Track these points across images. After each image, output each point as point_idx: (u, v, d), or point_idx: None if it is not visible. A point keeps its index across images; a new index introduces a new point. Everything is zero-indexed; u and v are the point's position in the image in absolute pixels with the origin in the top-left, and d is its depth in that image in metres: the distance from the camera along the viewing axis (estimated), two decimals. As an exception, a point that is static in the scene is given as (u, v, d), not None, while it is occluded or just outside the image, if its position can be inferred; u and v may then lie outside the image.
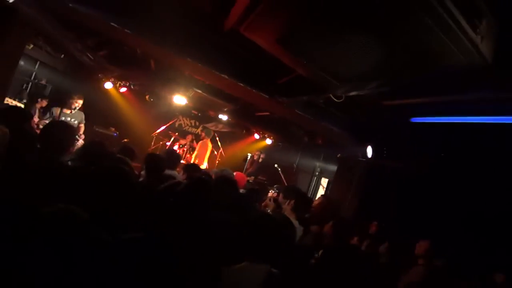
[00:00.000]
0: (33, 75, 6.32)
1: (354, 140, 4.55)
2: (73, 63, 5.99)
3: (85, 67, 5.64)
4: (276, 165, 7.71)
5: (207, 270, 1.36)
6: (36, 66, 6.24)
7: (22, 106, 4.78)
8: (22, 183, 1.53)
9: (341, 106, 3.40)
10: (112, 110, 7.60)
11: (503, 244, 3.26)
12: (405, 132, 3.85)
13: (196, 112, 8.83)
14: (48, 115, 4.74)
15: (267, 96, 3.85)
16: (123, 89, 6.91)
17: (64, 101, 4.85)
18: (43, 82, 6.49)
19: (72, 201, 1.14)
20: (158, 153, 4.81)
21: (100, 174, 1.57)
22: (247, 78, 3.63)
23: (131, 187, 1.64)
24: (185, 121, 9.68)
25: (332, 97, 3.07)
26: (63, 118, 4.70)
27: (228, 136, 9.38)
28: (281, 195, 3.08)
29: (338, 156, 5.96)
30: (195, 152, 7.19)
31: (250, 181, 6.97)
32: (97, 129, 6.70)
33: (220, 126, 8.14)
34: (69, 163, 2.27)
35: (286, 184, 7.17)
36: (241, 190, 3.37)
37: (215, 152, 8.48)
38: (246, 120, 7.15)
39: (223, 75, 3.48)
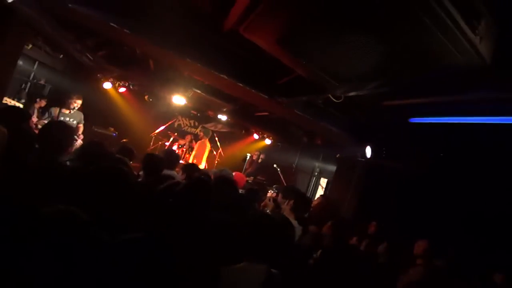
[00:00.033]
0: (32, 75, 6.30)
1: (353, 140, 4.56)
2: (72, 63, 5.98)
3: (84, 67, 5.63)
4: (275, 165, 7.71)
5: (207, 270, 1.36)
6: (35, 66, 6.22)
7: (21, 106, 4.76)
8: (20, 183, 1.53)
9: (341, 106, 3.41)
10: (111, 110, 7.59)
11: (503, 244, 3.26)
12: (404, 132, 3.85)
13: (195, 112, 8.83)
14: (46, 115, 4.73)
15: (266, 96, 3.85)
16: (122, 89, 6.90)
17: (63, 101, 4.84)
18: (42, 82, 6.48)
19: (71, 201, 1.14)
20: (156, 153, 4.81)
21: (99, 174, 1.57)
22: (246, 78, 3.63)
23: (130, 187, 1.64)
24: (184, 121, 9.67)
25: (331, 97, 3.08)
26: (61, 118, 4.69)
27: (227, 136, 9.38)
28: (280, 195, 3.08)
29: (337, 156, 5.96)
30: (193, 152, 7.18)
31: (249, 181, 6.97)
32: (96, 129, 6.68)
33: (219, 126, 8.13)
34: (68, 163, 2.27)
35: (285, 184, 7.17)
36: (240, 190, 3.37)
37: (214, 152, 8.48)
38: (245, 120, 7.15)
39: (222, 75, 3.48)
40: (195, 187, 1.86)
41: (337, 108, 3.88)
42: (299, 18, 1.76)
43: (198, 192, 1.83)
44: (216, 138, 8.51)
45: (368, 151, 4.35)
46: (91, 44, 4.35)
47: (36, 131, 3.16)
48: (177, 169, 3.62)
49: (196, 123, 9.72)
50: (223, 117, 6.98)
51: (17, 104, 4.59)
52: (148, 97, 6.99)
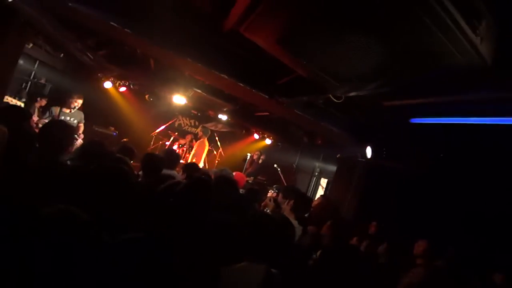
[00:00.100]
0: (33, 74, 6.31)
1: (353, 140, 4.55)
2: (73, 62, 5.98)
3: (84, 67, 5.63)
4: (275, 165, 7.71)
5: (207, 270, 1.36)
6: (36, 65, 6.23)
7: (22, 105, 4.77)
8: (21, 182, 1.53)
9: (341, 106, 3.41)
10: (111, 110, 7.60)
11: (503, 244, 3.26)
12: (404, 133, 3.85)
13: (195, 112, 8.83)
14: (47, 114, 4.74)
15: (267, 96, 3.85)
16: (123, 89, 6.91)
17: (63, 101, 4.85)
18: (43, 81, 6.48)
19: (71, 201, 1.14)
20: (157, 152, 4.81)
21: (100, 173, 1.57)
22: (247, 78, 3.63)
23: (130, 187, 1.64)
24: (185, 120, 9.67)
25: (331, 97, 3.08)
26: (62, 117, 4.70)
27: (228, 136, 9.38)
28: (280, 195, 3.08)
29: (337, 156, 5.96)
30: (193, 151, 7.18)
31: (250, 181, 6.97)
32: (96, 128, 6.69)
33: (220, 126, 8.13)
34: (68, 162, 2.27)
35: (285, 184, 7.17)
36: (240, 190, 3.37)
37: (215, 152, 8.48)
38: (246, 120, 7.15)
39: (223, 75, 3.48)
40: (196, 186, 1.87)
41: (337, 108, 3.87)
42: (299, 18, 1.76)
43: (199, 192, 1.83)
44: (217, 138, 8.51)
45: (369, 151, 4.35)
46: (92, 43, 4.35)
47: (37, 130, 3.17)
48: (177, 168, 3.62)
49: (197, 123, 9.72)
50: (223, 117, 6.98)
51: (18, 103, 4.60)
52: (148, 97, 6.99)
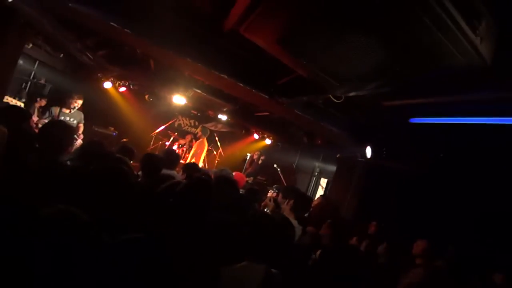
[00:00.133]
0: (32, 74, 6.31)
1: (353, 140, 4.56)
2: (73, 63, 5.98)
3: (84, 67, 5.63)
4: (275, 165, 7.71)
5: (207, 270, 1.36)
6: (35, 66, 6.23)
7: (22, 105, 4.77)
8: (20, 183, 1.53)
9: (341, 106, 3.41)
10: (111, 110, 7.59)
11: (503, 244, 3.26)
12: (404, 133, 3.85)
13: (195, 112, 8.83)
14: (47, 114, 4.73)
15: (266, 96, 3.85)
16: (123, 89, 6.90)
17: (63, 101, 4.85)
18: (42, 81, 6.48)
19: (71, 201, 1.14)
20: (156, 153, 4.81)
21: (99, 174, 1.57)
22: (246, 78, 3.63)
23: (130, 187, 1.64)
24: (185, 121, 9.67)
25: (331, 97, 3.08)
26: (62, 118, 4.69)
27: (228, 136, 9.38)
28: (280, 195, 3.08)
29: (337, 156, 5.96)
30: (192, 151, 7.18)
31: (249, 181, 6.97)
32: (96, 128, 6.68)
33: (220, 126, 8.13)
34: (68, 162, 2.27)
35: (285, 184, 7.17)
36: (240, 191, 3.37)
37: (215, 152, 8.48)
38: (246, 120, 7.15)
39: (222, 75, 3.48)
40: (196, 187, 1.86)
41: (337, 108, 3.88)
42: (299, 18, 1.76)
43: (199, 192, 1.82)
44: (216, 138, 8.51)
45: (368, 151, 4.35)
46: (92, 43, 4.35)
47: (37, 131, 3.17)
48: (177, 168, 3.62)
49: (196, 123, 9.71)
50: (223, 117, 6.98)
51: (18, 103, 4.59)
52: (148, 97, 6.99)
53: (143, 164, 2.74)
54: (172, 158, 3.32)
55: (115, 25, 2.78)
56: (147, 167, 2.72)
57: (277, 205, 3.00)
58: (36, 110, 4.99)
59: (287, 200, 2.83)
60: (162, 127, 8.03)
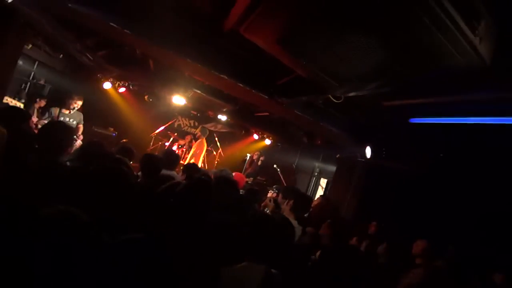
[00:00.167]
0: (32, 75, 6.30)
1: (353, 140, 4.56)
2: (72, 63, 5.98)
3: (84, 67, 5.63)
4: (275, 166, 7.71)
5: (207, 270, 1.36)
6: (35, 66, 6.22)
7: (21, 105, 4.76)
8: (20, 183, 1.53)
9: (340, 106, 3.41)
10: (111, 110, 7.59)
11: (503, 244, 3.26)
12: (404, 133, 3.86)
13: (195, 113, 8.82)
14: (46, 115, 4.73)
15: (266, 97, 3.85)
16: (122, 89, 6.90)
17: (63, 101, 4.84)
18: (42, 82, 6.47)
19: (71, 202, 1.14)
20: (156, 153, 4.80)
21: (99, 174, 1.57)
22: (246, 78, 3.63)
23: (130, 188, 1.64)
24: (184, 121, 9.66)
25: (331, 97, 3.08)
26: (61, 118, 4.69)
27: (227, 137, 9.38)
28: (280, 195, 3.08)
29: (337, 156, 5.96)
30: (191, 152, 7.18)
31: (249, 182, 6.97)
32: (95, 129, 6.68)
33: (219, 126, 8.13)
34: (68, 163, 2.26)
35: (285, 185, 7.17)
36: (240, 191, 3.36)
37: (214, 153, 8.48)
38: (245, 121, 7.15)
39: (222, 76, 3.48)
40: (196, 187, 1.86)
41: (337, 108, 3.88)
42: (300, 18, 1.76)
43: (199, 192, 1.82)
44: (216, 139, 8.50)
45: (368, 151, 4.36)
46: (91, 44, 4.35)
47: (36, 131, 3.17)
48: (177, 169, 3.62)
49: (196, 123, 9.71)
50: (223, 117, 6.98)
51: (18, 104, 4.59)
52: (148, 97, 6.99)
53: (143, 164, 2.74)
54: (171, 158, 3.32)
55: (115, 25, 2.78)
56: (147, 167, 2.72)
57: (277, 205, 3.00)
58: (35, 110, 4.99)
59: (287, 201, 2.83)
60: (162, 127, 8.02)
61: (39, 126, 4.11)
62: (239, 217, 1.97)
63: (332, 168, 6.68)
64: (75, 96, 4.84)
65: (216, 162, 8.56)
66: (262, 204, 3.29)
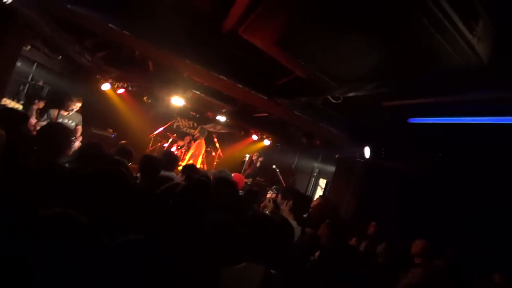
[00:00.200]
0: (31, 76, 6.29)
1: (352, 141, 4.56)
2: (71, 65, 5.96)
3: (82, 69, 5.62)
4: (274, 166, 7.71)
5: (207, 271, 1.36)
6: (34, 68, 6.21)
7: (20, 107, 4.75)
8: (19, 185, 1.52)
9: (340, 107, 3.41)
10: (110, 112, 7.58)
11: (503, 244, 3.26)
12: (403, 133, 3.86)
13: (194, 114, 8.82)
14: (45, 116, 4.72)
15: (265, 97, 3.85)
16: (121, 91, 6.89)
17: (61, 103, 4.84)
18: (41, 83, 6.46)
19: (70, 203, 1.14)
20: (155, 154, 4.80)
21: (97, 176, 1.57)
22: (246, 79, 3.63)
23: (128, 189, 1.63)
24: (183, 122, 9.65)
25: (330, 98, 3.08)
26: (60, 120, 4.68)
27: (227, 137, 9.37)
28: (279, 196, 3.08)
29: (336, 156, 5.97)
30: (190, 153, 7.18)
31: (248, 182, 6.96)
32: (94, 130, 6.67)
33: (219, 127, 8.13)
34: (66, 165, 2.26)
35: (284, 185, 7.16)
36: (239, 192, 3.36)
37: (213, 153, 8.47)
38: (245, 121, 7.15)
39: (222, 77, 3.49)
40: (195, 188, 1.86)
41: (336, 109, 3.88)
42: (300, 18, 1.76)
43: (198, 193, 1.82)
44: (215, 139, 8.50)
45: (367, 151, 4.36)
46: (90, 45, 4.35)
47: (35, 133, 3.16)
48: (176, 170, 3.61)
49: (195, 124, 9.70)
50: (222, 118, 6.97)
51: (16, 106, 4.58)
52: (147, 98, 6.99)
53: (142, 166, 2.73)
54: (170, 159, 3.31)
55: (114, 26, 2.78)
56: (146, 169, 2.71)
57: (276, 206, 3.00)
58: (34, 112, 4.97)
59: (286, 201, 2.83)
60: (161, 128, 8.01)
61: (38, 128, 4.10)
62: (239, 218, 1.96)
63: (332, 168, 6.68)
64: (74, 97, 4.83)
65: (215, 163, 8.55)
66: (261, 205, 3.29)
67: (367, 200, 4.79)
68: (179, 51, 3.19)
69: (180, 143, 7.94)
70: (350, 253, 1.92)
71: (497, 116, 2.42)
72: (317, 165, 8.36)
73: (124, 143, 6.32)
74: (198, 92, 5.18)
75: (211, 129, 8.16)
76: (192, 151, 7.16)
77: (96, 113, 6.84)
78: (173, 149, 7.71)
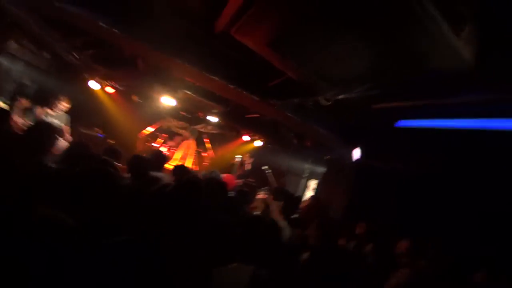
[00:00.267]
0: (17, 74, 6.12)
1: (342, 142, 4.61)
2: (58, 62, 5.84)
3: (70, 67, 5.51)
4: (265, 167, 7.70)
5: (198, 271, 1.35)
6: (19, 66, 6.05)
7: (5, 105, 4.62)
8: (3, 185, 1.48)
9: (331, 109, 3.44)
10: (97, 111, 7.43)
11: (502, 244, 3.30)
12: (392, 135, 3.92)
13: (184, 114, 8.73)
14: (30, 115, 4.59)
15: (258, 98, 3.85)
16: (110, 90, 6.77)
17: (48, 102, 4.72)
18: (27, 81, 6.29)
19: (57, 204, 1.11)
20: (144, 154, 4.73)
21: (85, 176, 1.53)
22: (238, 80, 3.62)
23: (116, 189, 1.61)
24: (174, 122, 9.55)
25: (320, 100, 3.10)
26: (46, 119, 4.57)
27: (218, 138, 9.31)
28: (270, 196, 3.08)
29: (325, 158, 6.01)
30: (180, 153, 7.11)
31: (239, 183, 6.94)
32: (82, 130, 6.53)
33: (210, 127, 8.07)
34: (53, 165, 2.20)
35: (275, 186, 7.17)
36: (230, 193, 3.34)
37: (204, 154, 8.41)
38: (236, 122, 7.13)
39: (214, 77, 3.47)
40: (186, 188, 1.84)
41: (327, 110, 3.91)
42: (294, 19, 1.77)
43: (189, 193, 1.81)
44: (206, 140, 8.44)
45: (357, 153, 4.41)
46: (78, 43, 4.26)
47: (20, 131, 3.07)
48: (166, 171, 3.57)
49: (186, 125, 9.61)
50: (213, 119, 6.93)
51: (1, 104, 4.45)
52: (136, 98, 6.88)
53: (131, 166, 2.69)
54: (159, 159, 3.27)
55: (103, 25, 2.73)
56: (135, 169, 2.68)
57: (266, 206, 3.00)
58: (19, 110, 4.84)
59: (277, 202, 2.84)
60: (150, 128, 7.91)
61: (23, 127, 3.99)
62: (229, 218, 1.96)
63: (322, 169, 6.73)
64: (61, 97, 4.73)
65: (206, 163, 8.49)
66: (252, 206, 3.28)
67: (356, 201, 4.84)
68: (170, 51, 3.16)
69: (170, 143, 7.85)
70: (340, 253, 1.94)
71: (486, 118, 2.47)
72: (308, 166, 8.40)
73: (111, 143, 6.22)
74: (189, 92, 5.14)
75: (202, 130, 8.10)
76: (183, 151, 7.08)
77: (84, 112, 6.68)
78: (163, 149, 7.61)
